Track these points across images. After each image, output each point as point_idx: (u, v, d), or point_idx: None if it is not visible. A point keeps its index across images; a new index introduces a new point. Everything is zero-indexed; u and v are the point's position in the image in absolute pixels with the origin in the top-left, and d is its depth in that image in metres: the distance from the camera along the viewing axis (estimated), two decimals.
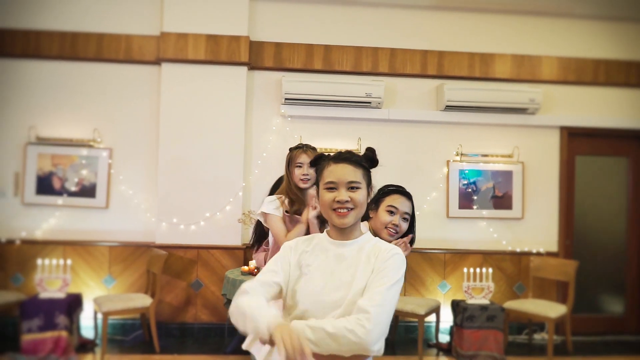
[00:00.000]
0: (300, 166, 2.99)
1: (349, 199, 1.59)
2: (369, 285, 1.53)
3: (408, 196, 2.49)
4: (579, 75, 5.34)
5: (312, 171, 2.80)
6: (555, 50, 5.34)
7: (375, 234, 2.43)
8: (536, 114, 5.25)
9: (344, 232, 1.65)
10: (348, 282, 1.57)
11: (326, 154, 1.76)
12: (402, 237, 2.50)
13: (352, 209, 1.60)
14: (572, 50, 5.35)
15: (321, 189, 1.65)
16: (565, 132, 5.36)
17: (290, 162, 3.05)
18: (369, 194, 1.67)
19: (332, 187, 1.62)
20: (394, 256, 1.58)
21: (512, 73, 5.27)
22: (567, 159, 5.41)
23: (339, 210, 1.60)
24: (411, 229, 2.54)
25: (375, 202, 2.48)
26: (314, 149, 3.11)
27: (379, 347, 1.48)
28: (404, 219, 2.42)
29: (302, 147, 3.08)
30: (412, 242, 2.60)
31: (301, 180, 2.99)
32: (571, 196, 5.45)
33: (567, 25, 5.37)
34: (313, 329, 1.45)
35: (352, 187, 1.61)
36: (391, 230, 2.41)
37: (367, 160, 1.70)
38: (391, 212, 2.41)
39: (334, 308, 1.55)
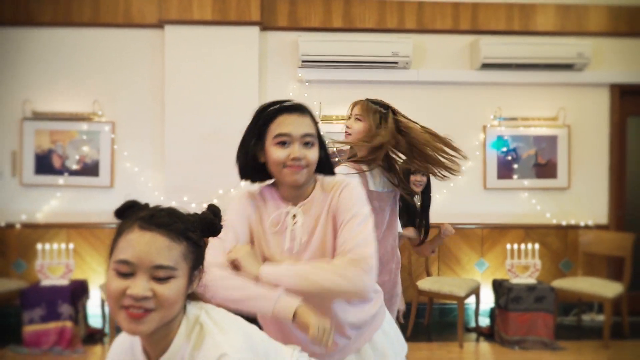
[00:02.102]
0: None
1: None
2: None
3: (300, 110, 1.53)
4: (632, 25, 4.76)
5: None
6: None
7: (280, 180, 1.55)
8: (584, 71, 4.70)
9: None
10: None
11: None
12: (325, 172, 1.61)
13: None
14: None
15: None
16: (617, 90, 4.81)
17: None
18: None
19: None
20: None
21: (556, 25, 4.71)
22: (618, 120, 4.86)
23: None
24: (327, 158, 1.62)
25: (257, 139, 1.54)
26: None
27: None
28: (306, 143, 1.49)
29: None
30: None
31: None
32: (622, 162, 4.92)
33: None
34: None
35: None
36: (294, 166, 1.48)
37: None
38: (283, 143, 1.48)
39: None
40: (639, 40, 4.82)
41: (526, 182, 4.77)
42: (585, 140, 4.83)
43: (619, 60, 4.81)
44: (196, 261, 1.09)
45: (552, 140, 4.77)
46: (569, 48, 4.57)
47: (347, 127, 2.32)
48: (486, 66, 4.60)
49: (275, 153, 1.46)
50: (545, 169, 4.79)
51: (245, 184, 1.65)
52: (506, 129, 4.76)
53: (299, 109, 1.50)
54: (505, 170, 4.77)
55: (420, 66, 4.72)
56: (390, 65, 4.56)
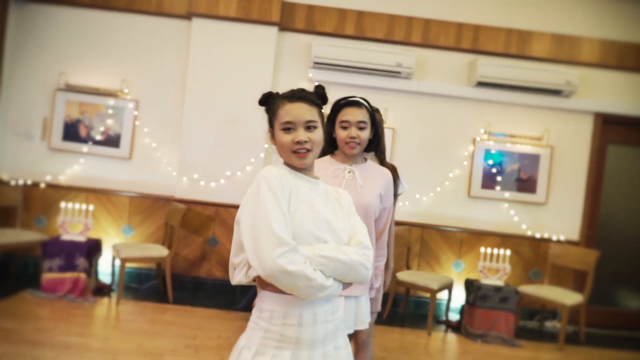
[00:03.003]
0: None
1: (308, 140, 1.56)
2: (354, 224, 1.65)
3: (358, 104, 2.27)
4: (621, 59, 5.12)
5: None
6: (596, 31, 5.13)
7: (342, 151, 2.31)
8: (571, 97, 5.08)
9: (304, 172, 1.62)
10: (332, 219, 1.60)
11: (275, 92, 1.65)
12: (372, 149, 2.39)
13: (309, 150, 1.57)
14: (615, 32, 5.13)
15: (277, 130, 1.59)
16: (600, 118, 5.18)
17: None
18: (324, 131, 1.64)
19: (289, 127, 1.56)
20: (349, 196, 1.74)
21: (550, 52, 5.08)
22: (599, 146, 5.24)
23: (299, 152, 1.56)
24: (377, 139, 2.36)
25: (331, 122, 2.31)
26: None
27: None
28: (360, 128, 2.24)
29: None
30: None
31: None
32: (599, 186, 5.30)
33: (611, 6, 5.14)
34: (327, 259, 1.50)
35: (309, 126, 1.57)
36: (351, 143, 2.24)
37: (319, 98, 1.65)
38: (344, 128, 2.25)
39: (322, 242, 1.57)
40: (626, 74, 5.18)
41: (507, 194, 5.17)
42: (566, 161, 5.21)
43: (605, 91, 5.18)
44: (323, 117, 1.63)
45: (535, 158, 5.16)
46: (559, 75, 4.94)
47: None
48: (481, 84, 4.98)
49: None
50: (526, 184, 5.19)
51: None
52: (494, 143, 5.15)
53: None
54: (489, 181, 5.17)
55: (421, 78, 5.11)
56: (394, 74, 4.95)
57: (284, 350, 1.49)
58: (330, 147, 2.34)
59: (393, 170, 2.63)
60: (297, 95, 1.58)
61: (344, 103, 2.29)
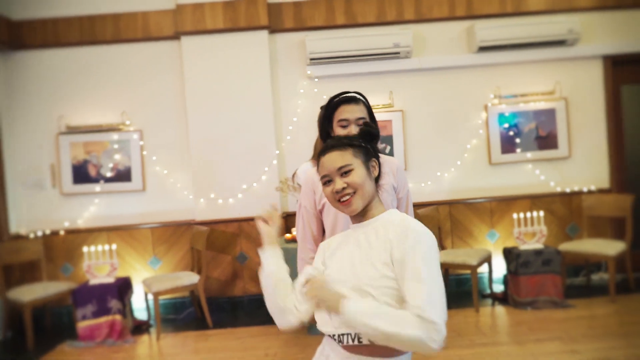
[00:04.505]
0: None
1: (346, 185, 1.52)
2: (411, 279, 1.37)
3: (355, 100, 2.11)
4: None
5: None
6: None
7: None
8: (576, 45, 4.95)
9: (360, 216, 1.58)
10: (362, 263, 1.48)
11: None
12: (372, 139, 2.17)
13: (353, 193, 1.52)
14: None
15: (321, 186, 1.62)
16: (609, 61, 5.05)
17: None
18: (371, 167, 1.58)
19: (327, 180, 1.56)
20: (420, 242, 1.41)
21: (547, 4, 4.95)
22: (613, 89, 5.10)
23: (342, 200, 1.53)
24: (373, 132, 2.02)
25: (329, 121, 2.14)
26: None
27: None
28: (359, 125, 2.07)
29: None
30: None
31: None
32: (620, 128, 5.17)
33: None
34: (368, 327, 1.35)
35: (344, 172, 1.53)
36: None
37: (364, 136, 1.61)
38: (343, 127, 2.09)
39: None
40: (626, 12, 5.03)
41: (529, 155, 5.05)
42: (582, 110, 5.09)
43: (608, 33, 5.04)
44: (366, 156, 1.57)
45: (550, 113, 5.04)
46: (560, 25, 4.80)
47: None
48: (483, 49, 4.86)
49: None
50: (546, 141, 5.06)
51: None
52: (506, 106, 5.03)
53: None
54: (508, 145, 5.05)
55: (421, 54, 4.99)
56: (393, 55, 4.83)
57: None
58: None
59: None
60: (327, 147, 1.58)
61: (340, 100, 2.11)
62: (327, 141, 1.61)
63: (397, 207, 2.16)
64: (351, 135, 1.62)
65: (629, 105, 5.19)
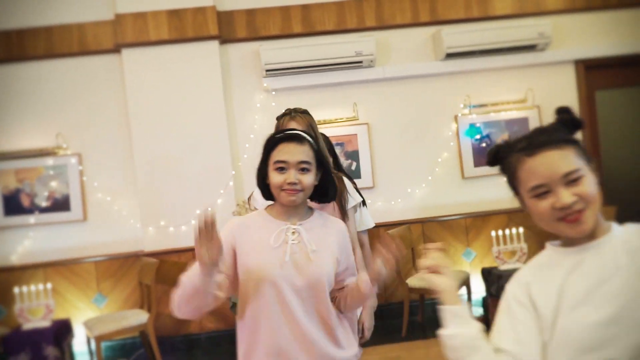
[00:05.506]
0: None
1: (577, 199, 1.15)
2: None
3: (299, 139, 1.67)
4: (589, 0, 4.79)
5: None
6: None
7: (279, 202, 1.71)
8: (547, 50, 4.72)
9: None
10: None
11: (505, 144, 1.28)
12: (324, 200, 1.79)
13: (583, 207, 1.18)
14: None
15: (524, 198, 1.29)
16: (582, 65, 4.84)
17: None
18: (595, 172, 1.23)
19: (544, 191, 1.18)
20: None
21: (514, 7, 4.74)
22: (587, 95, 4.89)
23: (569, 218, 1.20)
24: (328, 185, 1.76)
25: (264, 164, 1.70)
26: (304, 112, 2.25)
27: None
28: (302, 170, 1.64)
29: (289, 114, 2.24)
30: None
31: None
32: (595, 136, 4.96)
33: None
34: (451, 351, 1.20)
35: (571, 179, 1.16)
36: (289, 190, 1.63)
37: (567, 125, 1.23)
38: (281, 169, 1.64)
39: None
40: (598, 14, 4.86)
41: None
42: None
43: (580, 36, 4.84)
44: (587, 157, 1.20)
45: (523, 122, 4.77)
46: (530, 29, 4.58)
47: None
48: (450, 55, 4.59)
49: (274, 178, 1.62)
50: None
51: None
52: (477, 116, 4.76)
53: (297, 137, 1.64)
54: (481, 157, 4.76)
55: (385, 63, 4.69)
56: (355, 65, 4.53)
57: None
58: (265, 196, 1.74)
59: (340, 181, 2.14)
60: (536, 143, 1.19)
61: (280, 137, 1.68)
62: (530, 133, 1.22)
63: (340, 278, 1.74)
64: (551, 125, 1.22)
65: (604, 111, 4.99)
